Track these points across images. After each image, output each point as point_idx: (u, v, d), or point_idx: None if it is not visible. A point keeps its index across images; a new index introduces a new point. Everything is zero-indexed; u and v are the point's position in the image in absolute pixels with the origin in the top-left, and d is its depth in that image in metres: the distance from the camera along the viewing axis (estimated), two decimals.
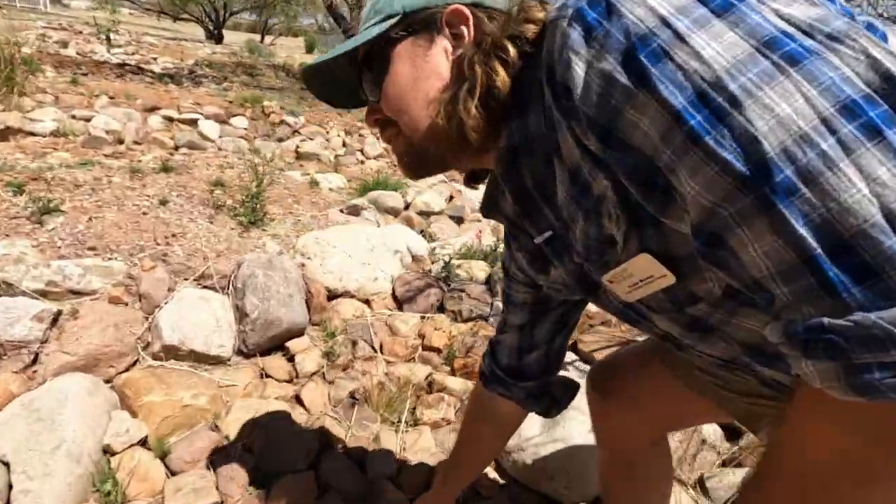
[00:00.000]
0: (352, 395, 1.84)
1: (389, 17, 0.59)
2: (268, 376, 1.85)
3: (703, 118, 0.36)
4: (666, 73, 0.37)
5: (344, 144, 5.76)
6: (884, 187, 0.30)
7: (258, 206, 2.37)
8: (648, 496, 1.06)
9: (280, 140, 5.56)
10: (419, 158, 0.66)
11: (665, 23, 0.37)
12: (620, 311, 0.66)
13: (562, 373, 1.60)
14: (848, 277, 0.32)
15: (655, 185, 0.42)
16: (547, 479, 1.44)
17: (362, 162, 5.52)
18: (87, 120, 4.12)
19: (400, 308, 2.32)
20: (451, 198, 3.75)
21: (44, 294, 1.69)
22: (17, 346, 1.51)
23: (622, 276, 0.54)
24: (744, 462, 1.55)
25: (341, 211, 2.76)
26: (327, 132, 5.88)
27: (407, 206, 3.15)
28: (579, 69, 0.41)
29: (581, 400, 1.51)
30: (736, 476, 1.49)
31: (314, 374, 1.90)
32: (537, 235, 0.65)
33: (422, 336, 2.15)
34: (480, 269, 2.56)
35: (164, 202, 2.23)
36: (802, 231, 0.33)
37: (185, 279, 1.95)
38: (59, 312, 1.63)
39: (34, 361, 1.54)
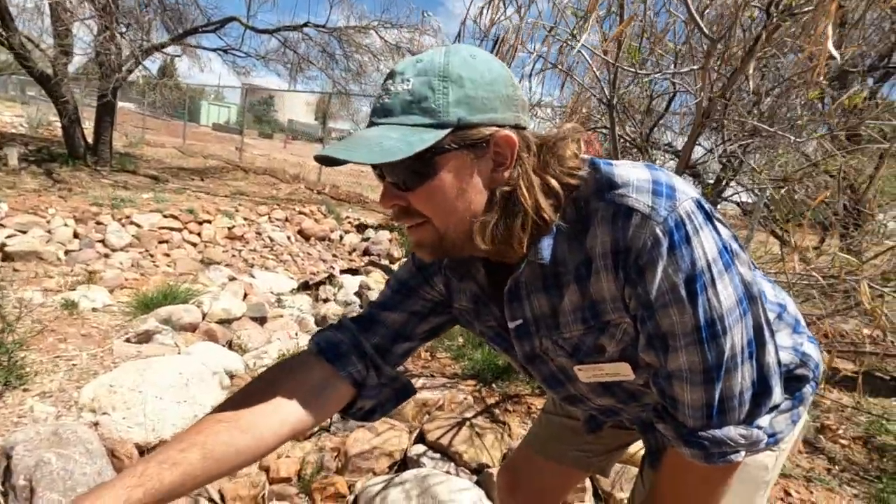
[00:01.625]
0: None
1: (443, 125, 0.60)
2: None
3: (708, 335, 0.64)
4: (703, 300, 0.63)
5: (76, 235, 4.70)
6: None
7: (10, 358, 1.83)
8: None
9: None
10: (443, 249, 0.70)
11: (709, 265, 0.62)
12: (548, 376, 0.86)
13: (410, 474, 1.79)
14: (717, 416, 0.68)
15: (654, 345, 0.68)
16: None
17: (107, 255, 4.61)
18: None
19: None
20: (245, 295, 3.54)
21: None
22: None
23: (593, 369, 0.77)
24: None
25: (128, 340, 2.34)
26: (47, 221, 4.71)
27: (203, 317, 2.85)
28: (659, 269, 0.62)
29: (452, 488, 1.71)
30: None
31: None
32: (511, 321, 0.78)
33: (265, 469, 2.00)
34: None
35: None
36: (716, 396, 0.67)
37: None
38: None
39: None
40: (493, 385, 2.50)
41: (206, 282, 3.50)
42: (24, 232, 4.45)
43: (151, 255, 4.91)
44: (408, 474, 1.85)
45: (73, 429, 1.69)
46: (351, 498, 1.90)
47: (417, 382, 2.38)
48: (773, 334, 0.69)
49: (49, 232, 4.61)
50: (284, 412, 0.71)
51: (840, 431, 2.62)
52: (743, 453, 0.70)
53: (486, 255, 0.72)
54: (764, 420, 0.72)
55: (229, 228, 5.88)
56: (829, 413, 2.80)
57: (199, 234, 5.56)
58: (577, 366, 0.79)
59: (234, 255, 5.49)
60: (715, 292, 0.63)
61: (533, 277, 0.72)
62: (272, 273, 4.49)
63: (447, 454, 2.03)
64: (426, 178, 0.63)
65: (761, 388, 0.69)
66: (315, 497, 1.91)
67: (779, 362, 0.71)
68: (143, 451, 1.90)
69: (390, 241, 6.28)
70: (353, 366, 0.79)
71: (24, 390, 1.83)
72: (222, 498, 1.86)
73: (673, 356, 0.67)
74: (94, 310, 2.63)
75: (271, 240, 6.04)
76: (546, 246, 0.68)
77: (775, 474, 0.93)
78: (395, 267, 5.01)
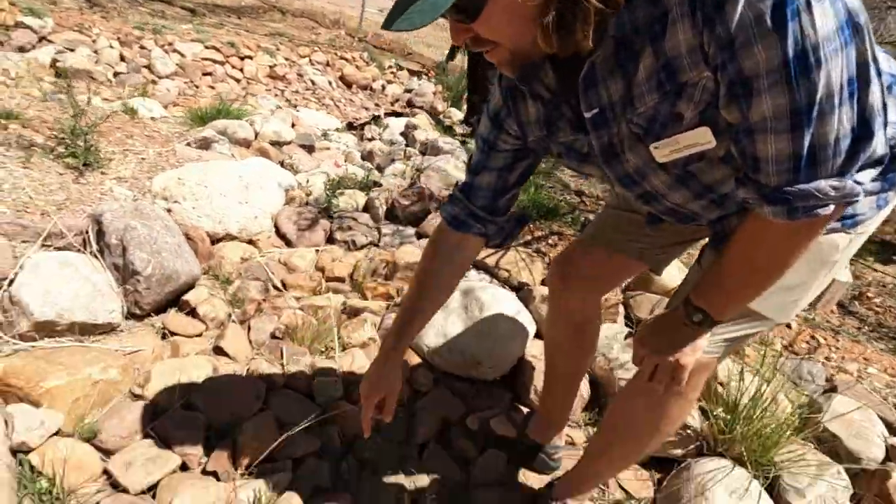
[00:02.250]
0: (273, 335, 1.83)
1: None
2: (172, 334, 1.70)
3: (798, 69, 0.57)
4: (794, 28, 0.55)
5: (122, 59, 4.65)
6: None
7: (89, 144, 1.93)
8: (589, 349, 1.44)
9: (22, 50, 4.21)
10: (520, 61, 0.74)
11: None
12: (623, 176, 0.87)
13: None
14: (806, 169, 0.64)
15: (736, 94, 0.62)
16: (475, 365, 1.76)
17: (153, 82, 4.58)
18: None
19: (288, 244, 2.27)
20: (293, 124, 3.54)
21: None
22: None
23: (671, 144, 0.74)
24: None
25: (188, 145, 2.41)
26: (93, 41, 4.64)
27: (256, 136, 2.89)
28: (741, 2, 0.56)
29: (497, 296, 1.83)
30: None
31: (224, 322, 1.81)
32: (587, 111, 0.78)
33: (321, 269, 2.18)
34: (359, 197, 2.61)
35: None
36: (805, 145, 0.61)
37: (27, 242, 1.57)
38: None
39: None
40: (539, 223, 2.54)
41: (256, 105, 3.49)
42: (72, 50, 4.42)
43: (196, 86, 4.87)
44: None
45: (151, 207, 1.83)
46: (398, 299, 2.08)
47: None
48: (879, 74, 0.61)
49: (96, 52, 4.56)
50: (449, 269, 1.11)
51: (877, 301, 2.62)
52: (831, 207, 0.66)
53: (556, 55, 0.72)
54: (864, 175, 0.69)
55: (271, 67, 5.71)
56: (870, 286, 2.79)
57: (241, 70, 5.43)
58: (653, 144, 0.76)
59: (276, 95, 5.40)
60: (809, 17, 0.55)
61: (607, 56, 0.70)
62: (316, 112, 4.43)
63: (490, 272, 2.14)
64: (482, 5, 0.65)
65: (862, 132, 0.62)
66: (366, 294, 2.09)
67: (884, 106, 0.63)
68: (214, 240, 2.07)
69: (434, 93, 6.02)
70: (473, 227, 1.04)
71: (102, 173, 1.95)
72: (284, 286, 2.05)
73: (756, 102, 0.61)
74: (152, 118, 2.68)
75: (313, 83, 5.87)
76: (618, 22, 0.66)
77: (845, 259, 0.92)
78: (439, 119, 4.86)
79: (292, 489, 1.36)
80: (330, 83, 6.04)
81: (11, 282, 1.43)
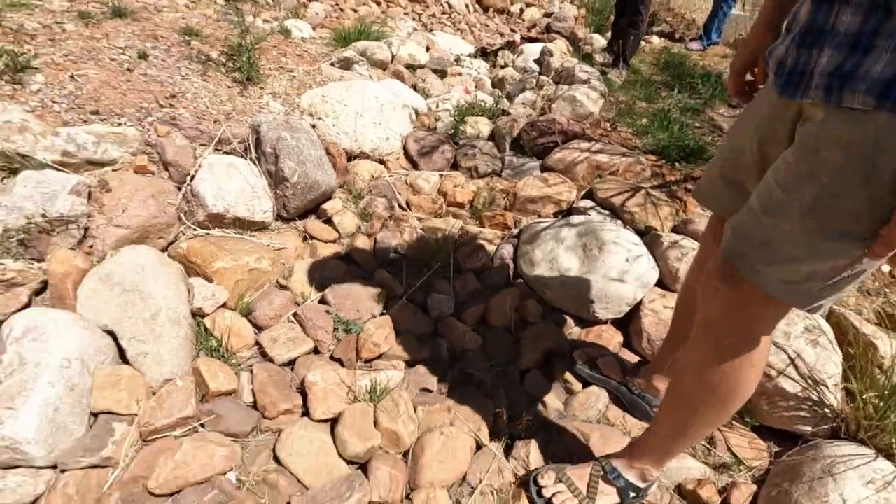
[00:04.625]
0: (395, 250, 1.96)
1: None
2: (312, 238, 1.90)
3: None
4: None
5: None
6: None
7: (251, 61, 2.14)
8: None
9: None
10: None
11: None
12: None
13: (580, 217, 1.81)
14: None
15: None
16: (587, 304, 1.73)
17: (304, 5, 4.84)
18: None
19: (415, 166, 2.35)
20: (427, 48, 3.54)
21: (62, 165, 1.54)
22: (63, 221, 1.42)
23: None
24: None
25: (332, 65, 2.55)
26: None
27: (392, 59, 2.96)
28: None
29: (619, 237, 1.74)
30: None
31: (354, 233, 1.97)
32: None
33: (443, 193, 2.24)
34: (485, 125, 2.58)
35: (143, 56, 1.94)
36: None
37: (203, 145, 1.83)
38: (97, 184, 1.52)
39: (85, 236, 1.47)
40: (677, 164, 2.30)
41: (394, 28, 3.54)
42: None
43: (341, 9, 5.05)
44: (577, 218, 1.91)
45: (299, 121, 2.00)
46: (515, 230, 2.08)
47: (594, 147, 2.29)
48: None
49: None
50: None
51: None
52: None
53: None
54: None
55: None
56: None
57: None
58: None
59: (413, 18, 5.40)
60: None
61: None
62: (451, 36, 4.36)
63: (615, 212, 2.02)
64: None
65: None
66: (483, 222, 2.12)
67: None
68: (349, 156, 2.22)
69: (576, 18, 5.54)
70: None
71: (261, 88, 2.17)
72: (409, 206, 2.16)
73: None
74: (302, 39, 2.87)
75: (450, 6, 5.73)
76: None
77: None
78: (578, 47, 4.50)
79: (402, 386, 1.51)
80: (466, 6, 5.85)
81: (192, 177, 1.70)
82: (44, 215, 1.37)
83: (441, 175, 2.30)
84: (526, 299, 1.84)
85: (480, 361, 1.65)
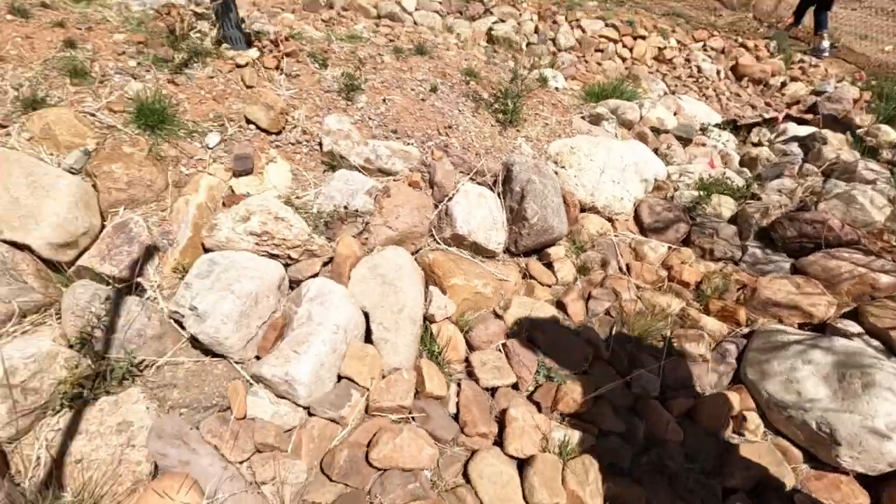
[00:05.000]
0: (607, 312, 1.94)
1: None
2: (531, 277, 2.00)
3: None
4: None
5: (536, 30, 5.38)
6: None
7: (516, 106, 2.35)
8: None
9: (472, 18, 5.33)
10: None
11: None
12: None
13: (842, 342, 1.55)
14: None
15: None
16: (829, 445, 1.46)
17: (554, 53, 5.16)
18: None
19: (643, 233, 2.30)
20: (675, 113, 3.43)
21: (362, 169, 1.90)
22: (354, 215, 1.75)
23: None
24: None
25: (582, 118, 2.66)
26: (520, 14, 5.49)
27: (640, 119, 2.95)
28: None
29: (892, 383, 1.45)
30: None
31: (570, 283, 2.01)
32: None
33: (668, 267, 2.14)
34: (728, 206, 2.39)
35: (434, 89, 2.31)
36: None
37: (462, 172, 2.07)
38: (383, 189, 1.84)
39: (364, 230, 1.79)
40: None
41: (647, 89, 3.52)
42: (503, 21, 5.35)
43: (586, 61, 5.23)
44: (839, 341, 1.64)
45: (546, 167, 2.13)
46: (746, 329, 1.87)
47: (872, 262, 1.94)
48: None
49: (518, 24, 5.39)
50: None
51: None
52: None
53: None
54: None
55: (660, 49, 5.58)
56: None
57: (630, 50, 5.51)
58: None
59: (658, 78, 5.30)
60: None
61: None
62: (696, 102, 4.15)
63: (892, 347, 1.67)
64: None
65: None
66: (709, 309, 1.95)
67: None
68: (581, 208, 2.27)
69: (855, 101, 4.77)
70: None
71: (517, 130, 2.38)
72: (629, 270, 2.11)
73: None
74: (556, 88, 3.05)
75: (699, 70, 5.47)
76: None
77: None
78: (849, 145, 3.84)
79: (592, 453, 1.47)
80: (718, 72, 5.51)
81: (450, 199, 1.93)
82: (346, 207, 1.72)
83: (670, 248, 2.19)
84: (746, 409, 1.64)
85: (678, 456, 1.52)
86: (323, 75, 2.13)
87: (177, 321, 1.40)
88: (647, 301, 1.96)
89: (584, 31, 5.48)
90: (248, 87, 1.92)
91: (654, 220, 2.27)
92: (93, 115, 1.61)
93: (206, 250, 1.54)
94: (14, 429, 1.13)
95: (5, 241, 1.32)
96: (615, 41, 5.52)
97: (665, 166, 2.62)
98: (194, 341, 1.39)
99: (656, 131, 2.92)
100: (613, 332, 1.84)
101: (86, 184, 1.47)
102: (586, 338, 1.78)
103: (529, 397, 1.60)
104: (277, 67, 2.04)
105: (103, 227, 1.48)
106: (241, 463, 1.25)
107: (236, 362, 1.40)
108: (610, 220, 2.29)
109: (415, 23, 4.94)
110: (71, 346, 1.27)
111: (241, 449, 1.25)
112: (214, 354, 1.40)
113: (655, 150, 2.76)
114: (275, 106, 1.84)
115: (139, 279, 1.43)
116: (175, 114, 1.69)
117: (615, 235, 2.24)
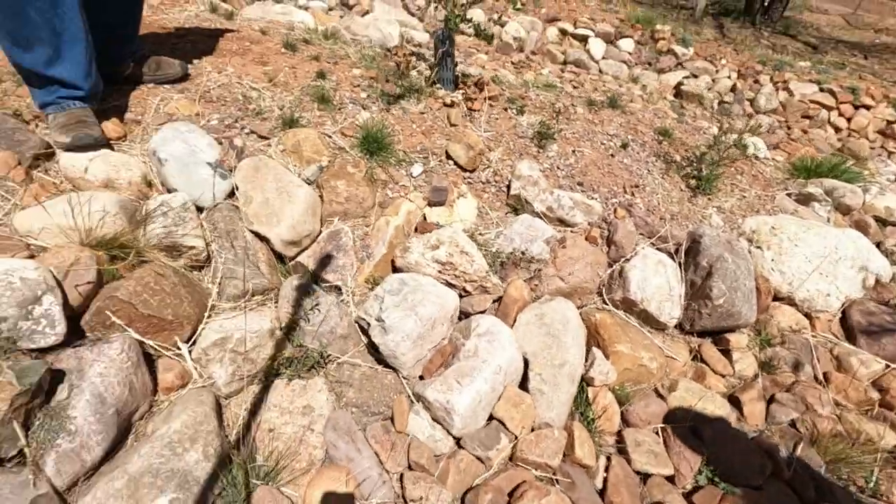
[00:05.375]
0: (792, 424, 1.67)
1: None
2: (702, 360, 1.82)
3: None
4: None
5: (733, 89, 4.99)
6: None
7: (712, 174, 2.20)
8: None
9: (661, 71, 5.14)
10: None
11: None
12: None
13: None
14: None
15: None
16: None
17: (749, 115, 4.73)
18: (502, 25, 4.55)
19: (851, 340, 1.95)
20: None
21: (543, 216, 1.94)
22: (529, 259, 1.79)
23: None
24: None
25: (788, 195, 2.38)
26: (716, 70, 5.15)
27: (862, 204, 2.54)
28: None
29: None
30: None
31: (749, 379, 1.78)
32: None
33: (882, 389, 1.78)
34: None
35: (624, 146, 2.27)
36: None
37: (642, 235, 1.99)
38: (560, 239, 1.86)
39: (534, 276, 1.82)
40: None
41: (874, 170, 3.04)
42: (696, 76, 5.07)
43: (788, 127, 4.69)
44: None
45: (740, 246, 1.93)
46: None
47: None
48: None
49: (713, 80, 5.06)
50: None
51: None
52: None
53: None
54: None
55: (889, 122, 4.77)
56: None
57: (848, 120, 4.80)
58: None
59: (878, 155, 4.52)
60: None
61: None
62: None
63: None
64: None
65: None
66: None
67: None
68: (777, 296, 2.01)
69: None
70: None
71: (708, 199, 2.21)
72: (826, 381, 1.81)
73: None
74: (756, 157, 2.78)
75: None
76: None
77: None
78: None
79: None
80: None
81: (628, 261, 1.86)
82: (523, 252, 1.76)
83: (888, 366, 1.83)
84: None
85: None
86: (519, 121, 2.23)
87: (361, 327, 1.57)
88: (848, 424, 1.65)
89: (790, 93, 4.94)
90: (451, 125, 2.10)
91: (867, 327, 1.91)
92: (329, 136, 1.90)
93: (395, 269, 1.70)
94: (231, 389, 1.36)
95: (252, 232, 1.62)
96: (830, 108, 4.88)
97: (890, 266, 2.20)
98: (371, 348, 1.54)
99: (882, 222, 2.48)
100: (798, 450, 1.58)
101: (315, 194, 1.74)
102: (764, 447, 1.56)
103: (687, 496, 1.44)
104: (479, 109, 2.20)
105: (320, 232, 1.72)
106: (392, 474, 1.33)
107: (403, 377, 1.51)
108: (808, 316, 1.99)
109: (600, 71, 4.94)
110: (280, 329, 1.49)
111: (395, 461, 1.34)
112: (386, 365, 1.52)
113: (878, 245, 2.34)
114: (474, 146, 1.98)
115: (339, 283, 1.64)
116: (391, 143, 1.91)
117: (812, 335, 1.94)
